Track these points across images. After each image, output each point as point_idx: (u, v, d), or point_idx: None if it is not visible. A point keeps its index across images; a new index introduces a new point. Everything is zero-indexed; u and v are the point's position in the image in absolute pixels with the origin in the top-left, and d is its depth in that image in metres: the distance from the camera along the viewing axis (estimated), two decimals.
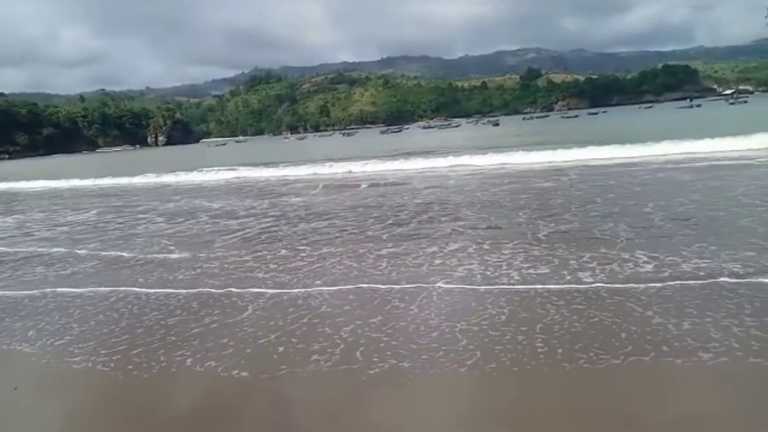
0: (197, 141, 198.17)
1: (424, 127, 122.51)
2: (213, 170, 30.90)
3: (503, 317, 5.63)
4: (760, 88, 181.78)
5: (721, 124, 36.60)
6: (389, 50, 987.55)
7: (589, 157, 20.71)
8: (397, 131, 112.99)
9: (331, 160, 31.58)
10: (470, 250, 8.45)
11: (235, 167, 31.54)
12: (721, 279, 6.10)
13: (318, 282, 7.42)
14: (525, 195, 13.73)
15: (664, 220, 9.31)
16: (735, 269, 6.37)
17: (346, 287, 7.08)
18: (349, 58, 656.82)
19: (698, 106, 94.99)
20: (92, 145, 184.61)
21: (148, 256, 10.01)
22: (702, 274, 6.35)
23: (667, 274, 6.48)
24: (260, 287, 7.41)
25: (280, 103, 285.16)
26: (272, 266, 8.51)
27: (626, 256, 7.36)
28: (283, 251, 9.49)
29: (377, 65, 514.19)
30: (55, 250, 11.37)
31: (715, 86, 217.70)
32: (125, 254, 10.30)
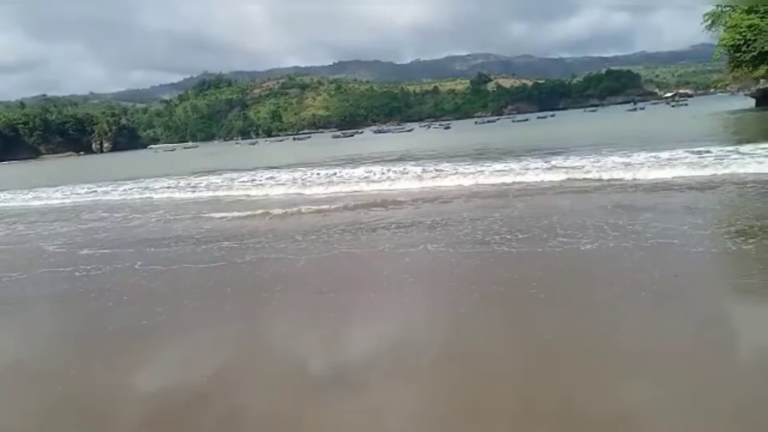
0: (144, 147, 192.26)
1: (377, 131, 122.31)
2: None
3: None
4: (698, 91, 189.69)
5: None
6: (340, 55, 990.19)
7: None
8: (350, 136, 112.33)
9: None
10: None
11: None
12: None
13: None
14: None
15: None
16: None
17: None
18: (301, 62, 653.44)
19: (642, 108, 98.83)
20: (34, 153, 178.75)
21: None
22: None
23: None
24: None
25: (231, 107, 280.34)
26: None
27: None
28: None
29: (329, 70, 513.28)
30: None
31: (657, 90, 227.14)
32: None
